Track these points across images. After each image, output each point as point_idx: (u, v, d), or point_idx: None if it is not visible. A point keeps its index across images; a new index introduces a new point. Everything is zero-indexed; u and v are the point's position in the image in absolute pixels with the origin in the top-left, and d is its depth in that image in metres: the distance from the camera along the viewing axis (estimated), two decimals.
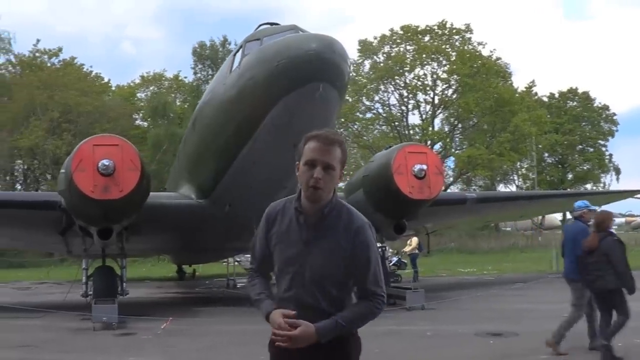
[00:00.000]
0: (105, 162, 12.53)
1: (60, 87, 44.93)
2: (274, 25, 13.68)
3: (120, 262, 15.80)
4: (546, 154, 59.12)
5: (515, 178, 60.66)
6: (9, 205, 15.14)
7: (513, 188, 60.47)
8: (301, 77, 11.30)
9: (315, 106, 11.61)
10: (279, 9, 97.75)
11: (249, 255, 25.91)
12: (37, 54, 51.01)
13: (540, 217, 55.78)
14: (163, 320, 13.62)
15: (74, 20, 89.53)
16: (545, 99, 60.07)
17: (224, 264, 26.93)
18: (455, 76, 48.43)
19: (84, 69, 53.46)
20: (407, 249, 25.86)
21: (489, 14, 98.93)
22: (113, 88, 57.93)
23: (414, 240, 25.59)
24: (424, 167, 15.07)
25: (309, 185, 3.11)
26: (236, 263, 25.82)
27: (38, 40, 52.29)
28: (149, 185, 13.90)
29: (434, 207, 17.97)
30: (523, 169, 56.86)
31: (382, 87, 50.25)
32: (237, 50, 13.64)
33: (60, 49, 52.18)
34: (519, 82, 65.53)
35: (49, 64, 51.09)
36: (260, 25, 14.01)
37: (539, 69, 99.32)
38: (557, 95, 60.76)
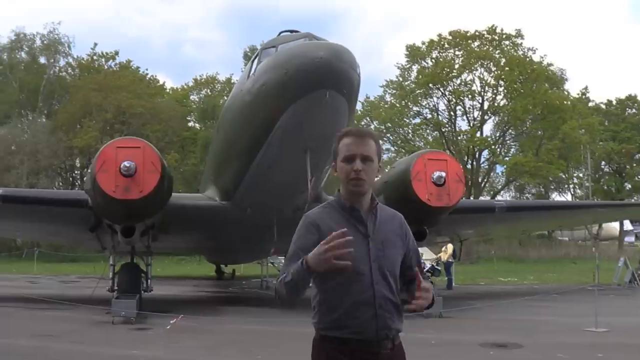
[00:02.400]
0: (127, 163, 13.06)
1: (114, 90, 46.46)
2: (293, 33, 13.97)
3: (145, 259, 16.40)
4: (603, 163, 57.73)
5: (570, 186, 59.50)
6: (40, 202, 15.90)
7: (568, 197, 59.33)
8: (308, 84, 11.55)
9: (323, 113, 11.84)
10: (339, 12, 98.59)
11: (282, 258, 26.54)
12: (94, 57, 52.93)
13: (597, 227, 54.47)
14: (182, 317, 14.06)
15: (139, 22, 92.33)
16: (603, 106, 58.67)
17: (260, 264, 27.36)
18: (503, 82, 47.87)
19: (140, 72, 55.25)
20: (444, 256, 25.70)
21: (545, 18, 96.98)
22: (168, 90, 59.57)
23: (449, 248, 25.48)
24: (443, 174, 15.07)
25: (350, 178, 3.13)
26: (271, 264, 26.26)
27: (95, 44, 54.63)
28: (170, 186, 14.38)
29: (462, 215, 17.94)
30: (574, 177, 55.63)
31: (430, 92, 50.06)
32: (255, 57, 14.00)
33: (117, 52, 54.25)
34: (574, 88, 63.84)
35: (106, 67, 52.95)
36: (281, 32, 14.34)
37: (597, 74, 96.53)
38: (614, 102, 59.22)
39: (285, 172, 13.73)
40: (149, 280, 16.14)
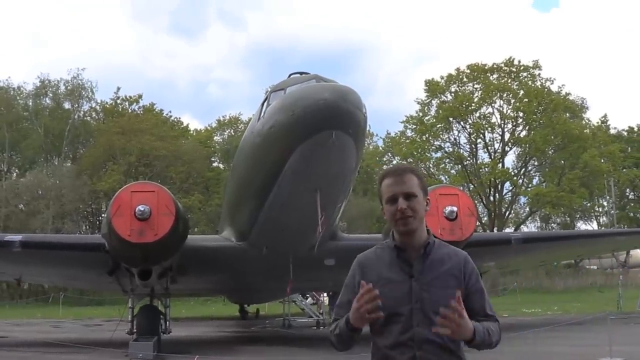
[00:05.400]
0: (141, 207, 13.36)
1: (137, 133, 47.36)
2: (302, 75, 14.26)
3: (164, 301, 16.60)
4: (627, 190, 57.18)
5: (595, 215, 58.94)
6: (58, 247, 16.25)
7: (594, 225, 58.74)
8: (314, 125, 11.74)
9: (330, 153, 12.03)
10: (363, 49, 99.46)
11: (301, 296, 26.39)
12: (118, 101, 54.09)
13: (625, 254, 53.70)
14: (198, 358, 14.15)
15: (163, 64, 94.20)
16: (625, 133, 58.32)
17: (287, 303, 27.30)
18: (522, 113, 47.97)
19: (164, 114, 56.29)
20: None
21: (563, 47, 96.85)
22: (191, 132, 60.52)
23: None
24: (455, 208, 15.18)
25: (396, 218, 3.08)
26: (293, 303, 26.23)
27: (119, 88, 55.97)
28: (185, 229, 14.64)
29: (479, 248, 17.92)
30: (596, 206, 55.12)
31: (450, 126, 50.25)
32: (265, 100, 14.28)
33: (140, 96, 55.32)
34: (595, 116, 63.22)
35: (129, 111, 54.05)
36: (291, 74, 14.64)
37: (618, 101, 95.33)
38: (636, 129, 58.85)
39: (297, 212, 13.87)
40: (167, 322, 16.33)
